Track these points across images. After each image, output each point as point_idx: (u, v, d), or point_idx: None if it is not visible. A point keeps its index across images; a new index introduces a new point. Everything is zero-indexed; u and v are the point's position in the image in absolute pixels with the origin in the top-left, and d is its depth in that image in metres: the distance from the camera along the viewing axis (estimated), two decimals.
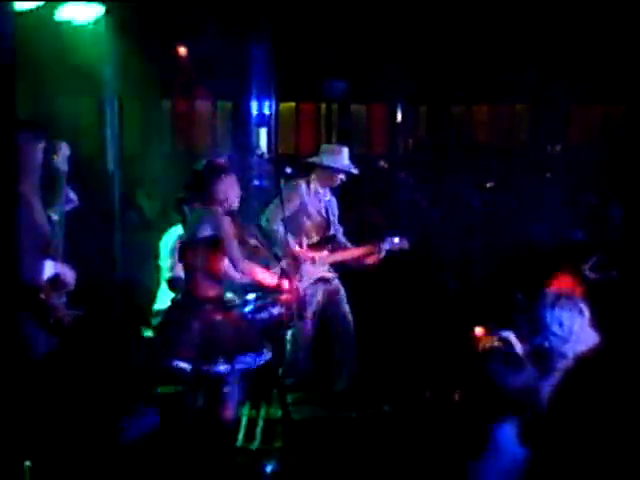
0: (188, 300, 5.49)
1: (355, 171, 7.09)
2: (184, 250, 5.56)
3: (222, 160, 5.59)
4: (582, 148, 12.90)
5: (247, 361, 5.38)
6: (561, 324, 4.90)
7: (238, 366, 5.36)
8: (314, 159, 7.10)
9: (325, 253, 7.06)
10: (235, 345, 5.37)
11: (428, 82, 13.01)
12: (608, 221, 8.77)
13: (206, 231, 5.40)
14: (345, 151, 7.10)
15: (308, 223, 7.01)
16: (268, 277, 5.60)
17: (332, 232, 7.18)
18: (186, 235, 5.59)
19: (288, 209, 6.66)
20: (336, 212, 7.25)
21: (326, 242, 7.12)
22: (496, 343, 5.00)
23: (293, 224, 6.77)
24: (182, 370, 5.26)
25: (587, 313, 4.98)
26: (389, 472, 5.49)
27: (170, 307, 5.67)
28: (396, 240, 7.13)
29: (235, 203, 5.52)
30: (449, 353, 6.39)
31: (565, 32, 11.66)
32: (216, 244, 5.40)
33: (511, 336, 5.12)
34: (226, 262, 5.50)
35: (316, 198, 7.11)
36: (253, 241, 5.84)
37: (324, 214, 7.14)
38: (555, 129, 13.62)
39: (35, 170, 4.62)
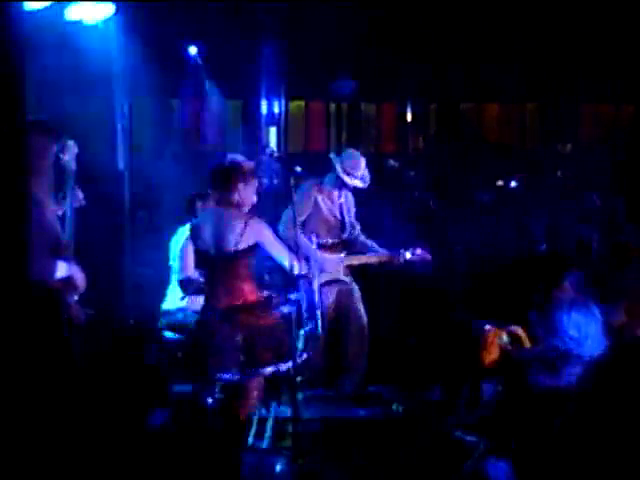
0: (228, 308, 5.40)
1: (363, 185, 7.03)
2: (220, 261, 5.47)
3: (251, 163, 5.57)
4: (593, 147, 12.86)
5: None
6: (578, 328, 4.89)
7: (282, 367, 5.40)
8: (334, 159, 7.06)
9: (341, 256, 7.04)
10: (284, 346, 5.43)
11: (438, 81, 12.98)
12: (613, 221, 8.74)
13: (250, 240, 5.36)
14: (362, 162, 7.05)
15: (321, 226, 6.97)
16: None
17: (347, 234, 7.15)
18: (220, 245, 5.49)
19: (302, 213, 6.66)
20: (352, 210, 7.22)
21: (344, 245, 7.10)
22: (505, 338, 5.00)
23: (306, 227, 6.76)
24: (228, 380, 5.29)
25: (600, 317, 4.97)
26: (398, 471, 5.49)
27: (205, 318, 5.57)
28: (418, 251, 7.06)
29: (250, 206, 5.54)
30: (458, 352, 6.39)
31: (575, 31, 11.63)
32: (256, 251, 5.41)
33: (519, 331, 5.12)
34: None
35: (330, 200, 7.08)
36: None
37: (338, 216, 7.11)
38: (565, 128, 13.58)
39: (47, 170, 4.63)
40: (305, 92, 13.22)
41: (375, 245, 7.19)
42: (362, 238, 7.21)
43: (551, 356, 4.95)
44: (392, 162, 8.66)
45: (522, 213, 9.94)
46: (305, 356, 5.63)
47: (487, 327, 5.10)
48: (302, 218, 6.71)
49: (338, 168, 6.97)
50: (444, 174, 11.42)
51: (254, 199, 5.53)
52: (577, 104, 13.86)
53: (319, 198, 7.02)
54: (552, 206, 9.83)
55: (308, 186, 7.00)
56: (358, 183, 7.02)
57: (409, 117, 13.87)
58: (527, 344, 5.40)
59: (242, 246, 5.33)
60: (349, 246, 7.15)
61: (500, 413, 5.02)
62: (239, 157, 5.56)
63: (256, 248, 5.41)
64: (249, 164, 5.51)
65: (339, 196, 7.13)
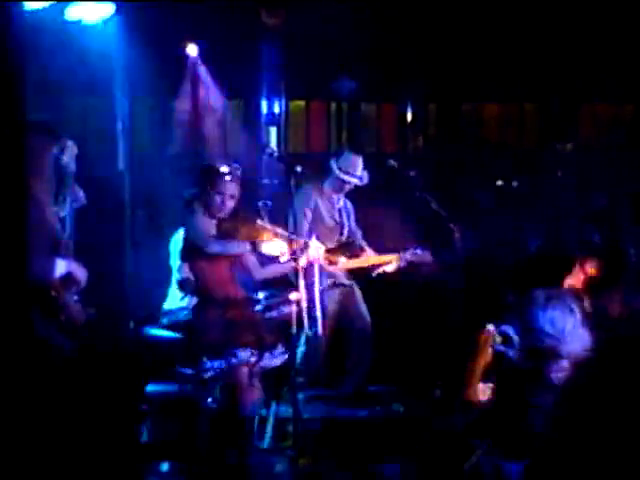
0: (210, 300, 5.50)
1: (361, 183, 7.08)
2: (196, 253, 5.59)
3: (222, 166, 5.57)
4: (593, 147, 12.84)
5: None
6: (553, 324, 4.88)
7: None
8: (332, 163, 7.07)
9: (343, 259, 7.03)
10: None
11: (438, 81, 12.97)
12: (616, 222, 8.72)
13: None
14: (360, 162, 7.08)
15: (321, 229, 6.96)
16: None
17: (347, 237, 7.15)
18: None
19: (306, 216, 6.69)
20: (352, 215, 7.22)
21: (343, 248, 7.10)
22: (498, 338, 4.99)
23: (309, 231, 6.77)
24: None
25: (579, 312, 4.95)
26: (398, 471, 5.49)
27: (194, 309, 5.69)
28: (418, 252, 7.07)
29: (225, 212, 5.55)
30: (458, 352, 6.38)
31: (575, 30, 11.63)
32: None
33: (510, 330, 5.10)
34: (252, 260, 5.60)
35: (329, 203, 7.08)
36: (259, 222, 5.74)
37: (338, 219, 7.11)
38: (565, 128, 13.56)
39: (47, 171, 4.62)
40: (305, 92, 13.20)
41: (372, 252, 7.18)
42: (362, 243, 7.20)
43: (531, 355, 4.94)
44: (392, 162, 8.63)
45: (522, 213, 9.93)
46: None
47: (489, 327, 5.08)
48: (307, 222, 6.74)
49: (335, 169, 6.98)
50: (444, 174, 11.41)
51: (222, 205, 5.54)
52: (576, 104, 13.84)
53: (319, 202, 7.02)
54: (553, 206, 9.82)
55: (309, 189, 6.99)
56: (356, 181, 7.04)
57: (409, 117, 13.86)
58: (516, 342, 5.38)
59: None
60: (348, 250, 7.14)
61: (496, 415, 5.00)
62: (224, 161, 5.61)
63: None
64: (224, 169, 5.52)
65: (338, 200, 7.13)
